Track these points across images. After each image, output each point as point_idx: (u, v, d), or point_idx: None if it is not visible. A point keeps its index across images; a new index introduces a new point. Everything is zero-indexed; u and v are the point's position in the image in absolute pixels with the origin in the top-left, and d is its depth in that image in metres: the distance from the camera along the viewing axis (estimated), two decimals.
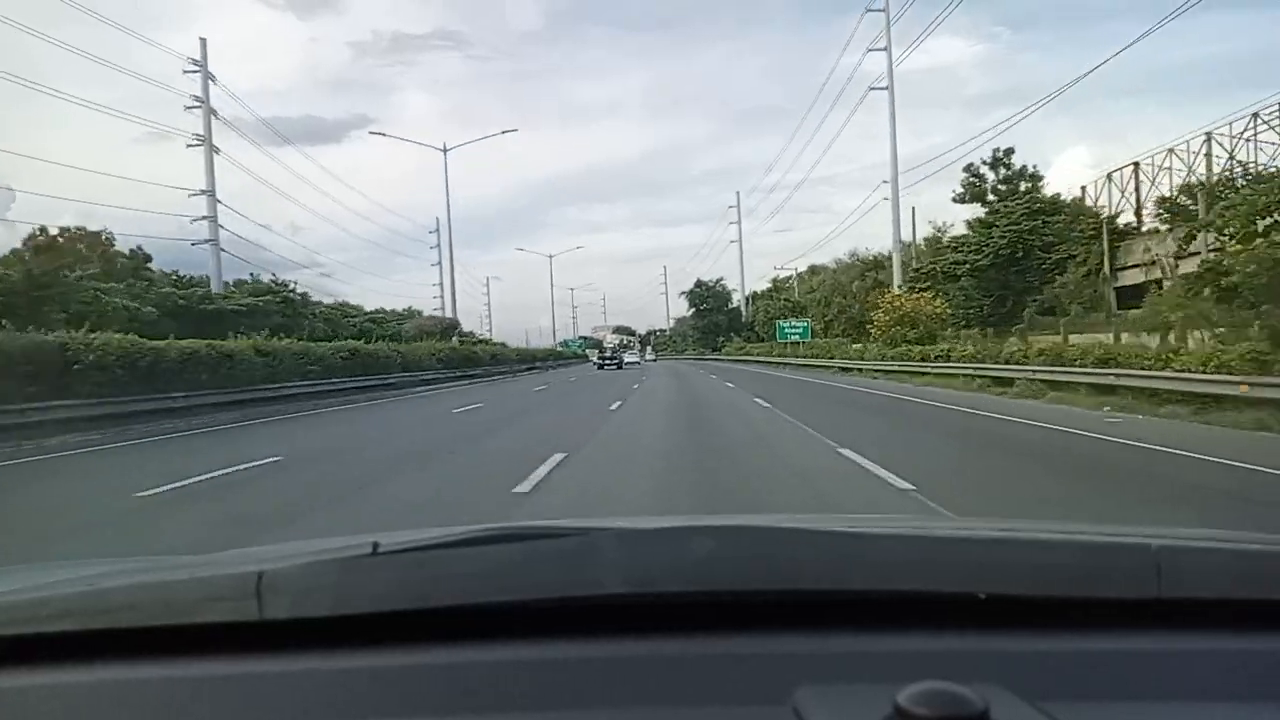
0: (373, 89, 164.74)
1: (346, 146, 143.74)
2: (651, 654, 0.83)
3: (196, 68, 37.17)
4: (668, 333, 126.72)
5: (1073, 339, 21.39)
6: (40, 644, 0.87)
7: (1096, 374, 15.82)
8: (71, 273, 24.43)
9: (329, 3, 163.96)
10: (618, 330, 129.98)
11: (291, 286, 42.17)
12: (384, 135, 74.33)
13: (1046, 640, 0.85)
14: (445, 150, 45.67)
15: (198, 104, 36.89)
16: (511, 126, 62.01)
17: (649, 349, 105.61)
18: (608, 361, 61.44)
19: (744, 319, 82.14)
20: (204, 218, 36.13)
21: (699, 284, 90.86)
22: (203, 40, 37.67)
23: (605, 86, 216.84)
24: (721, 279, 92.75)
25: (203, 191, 36.57)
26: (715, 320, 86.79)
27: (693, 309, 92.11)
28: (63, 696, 0.82)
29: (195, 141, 36.77)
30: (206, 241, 36.30)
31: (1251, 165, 25.14)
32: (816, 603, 0.88)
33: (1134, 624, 0.87)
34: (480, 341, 56.89)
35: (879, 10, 35.83)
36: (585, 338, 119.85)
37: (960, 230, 39.85)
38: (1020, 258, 33.94)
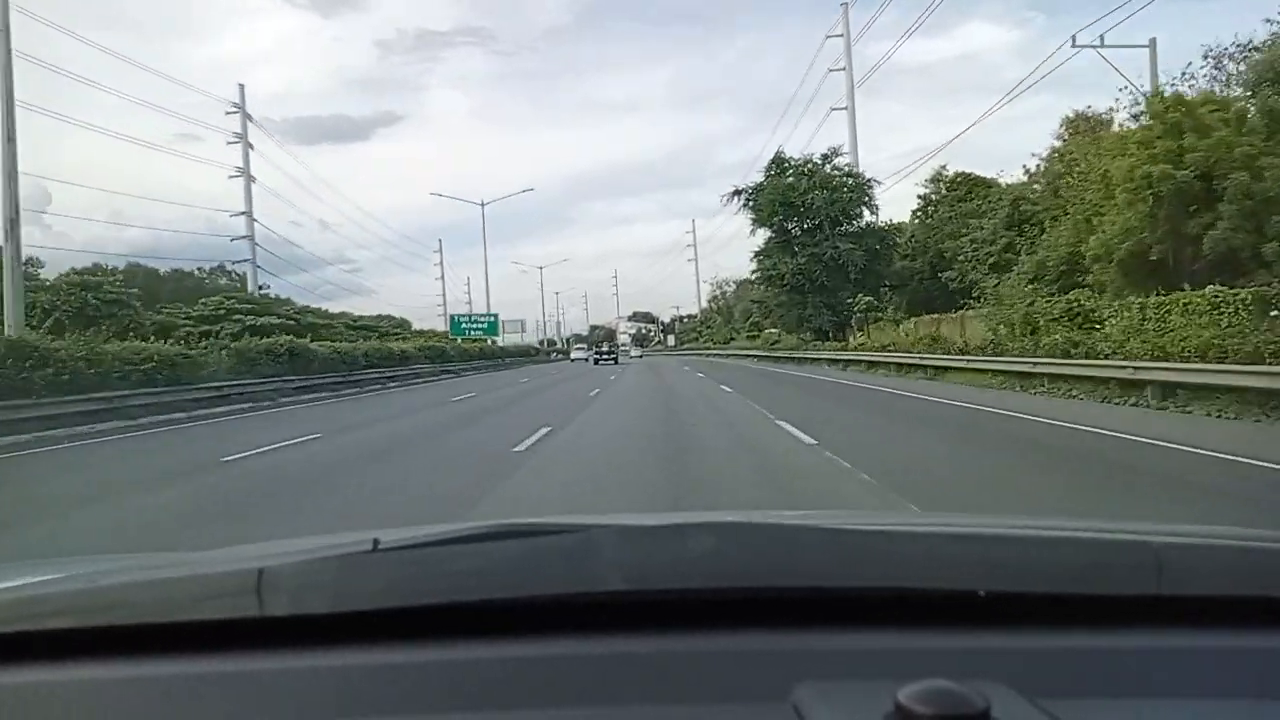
0: (400, 86, 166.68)
1: (375, 144, 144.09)
2: (651, 651, 0.83)
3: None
4: (698, 317, 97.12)
5: None
6: (39, 641, 0.87)
7: None
8: None
9: (351, 1, 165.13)
10: (634, 318, 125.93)
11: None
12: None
13: (1047, 638, 0.85)
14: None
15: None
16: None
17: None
18: (604, 356, 58.33)
19: (906, 252, 37.33)
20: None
21: (779, 164, 40.20)
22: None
23: (630, 81, 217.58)
24: (838, 149, 40.04)
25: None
26: (831, 253, 37.16)
27: (766, 229, 40.82)
28: (62, 694, 0.82)
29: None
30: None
31: None
32: (816, 600, 0.87)
33: (1135, 621, 0.87)
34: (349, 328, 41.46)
35: None
36: (596, 327, 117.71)
37: None
38: None
